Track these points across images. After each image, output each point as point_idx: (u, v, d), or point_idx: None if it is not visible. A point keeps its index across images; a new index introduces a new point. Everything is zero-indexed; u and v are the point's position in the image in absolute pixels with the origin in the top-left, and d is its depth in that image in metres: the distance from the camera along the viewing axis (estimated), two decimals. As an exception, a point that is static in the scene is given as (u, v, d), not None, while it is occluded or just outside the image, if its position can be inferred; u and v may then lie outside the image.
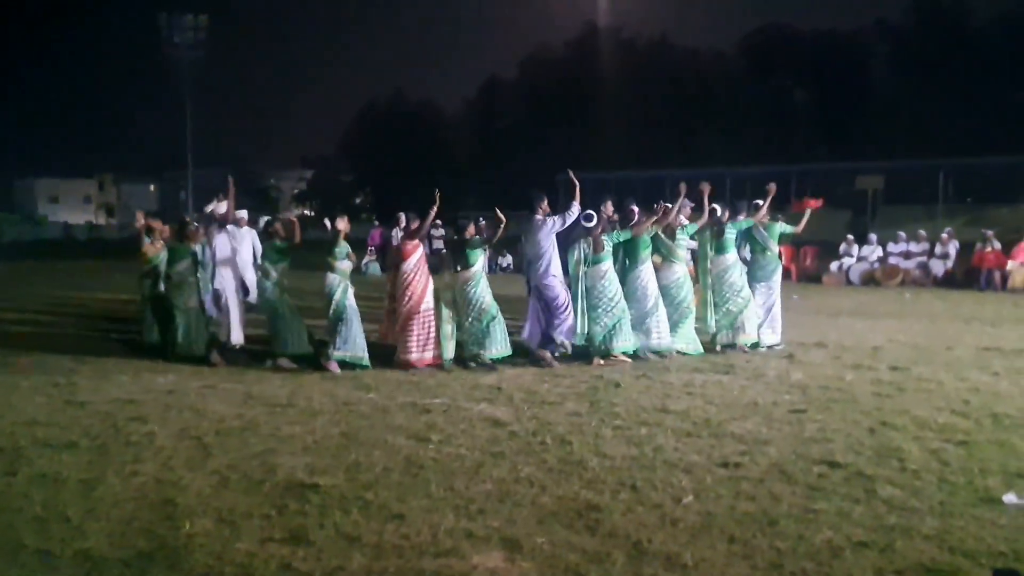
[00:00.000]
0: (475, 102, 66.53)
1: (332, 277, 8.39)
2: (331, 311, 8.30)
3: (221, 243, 9.71)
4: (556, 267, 8.64)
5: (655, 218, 9.09)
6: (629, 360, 8.56)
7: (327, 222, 8.74)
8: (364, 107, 71.25)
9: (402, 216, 8.96)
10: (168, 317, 8.92)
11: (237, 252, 9.94)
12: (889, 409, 6.43)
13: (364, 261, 21.64)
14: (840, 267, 18.91)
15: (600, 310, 8.58)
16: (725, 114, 54.48)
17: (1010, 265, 17.00)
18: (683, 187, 9.10)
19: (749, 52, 57.91)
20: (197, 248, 9.21)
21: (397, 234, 22.75)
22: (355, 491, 4.63)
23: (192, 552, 3.85)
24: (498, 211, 8.74)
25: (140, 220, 9.77)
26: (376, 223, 32.74)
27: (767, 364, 8.41)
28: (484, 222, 8.99)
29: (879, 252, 19.10)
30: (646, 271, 8.91)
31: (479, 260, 8.42)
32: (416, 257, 8.48)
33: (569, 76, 58.26)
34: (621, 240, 8.84)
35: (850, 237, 20.04)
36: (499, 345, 8.35)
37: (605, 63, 56.34)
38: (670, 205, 9.21)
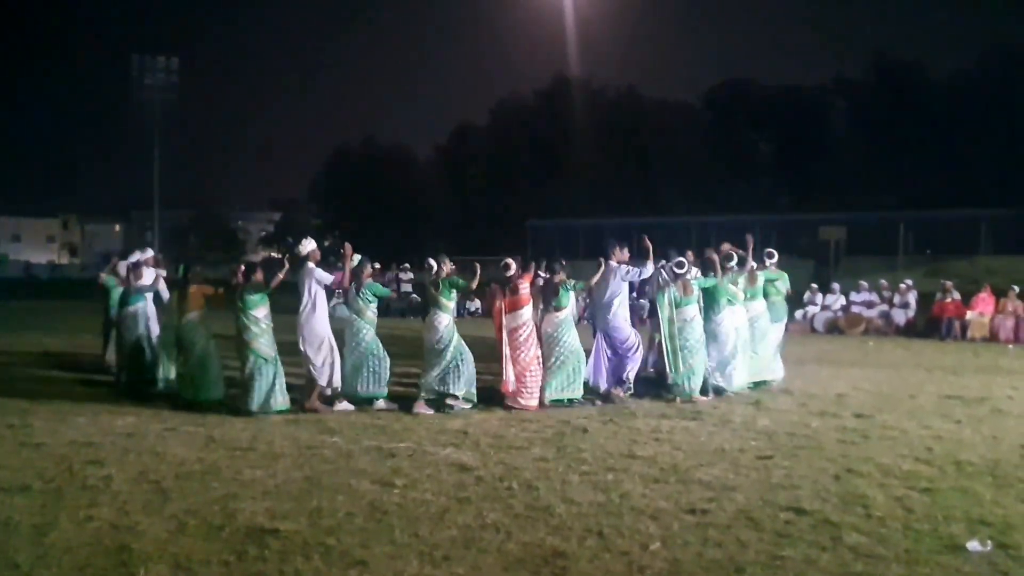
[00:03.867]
0: (446, 148, 67.01)
1: (443, 317, 8.37)
2: (448, 352, 8.30)
3: (312, 284, 8.39)
4: (625, 312, 9.01)
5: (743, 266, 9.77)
6: (706, 399, 8.88)
7: (431, 261, 8.34)
8: (335, 151, 71.44)
9: (511, 262, 8.83)
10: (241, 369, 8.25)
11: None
12: (854, 456, 6.46)
13: (332, 303, 21.45)
14: (805, 315, 19.14)
15: (685, 351, 8.96)
16: (690, 164, 55.44)
17: (969, 315, 17.32)
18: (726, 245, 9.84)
19: (714, 105, 59.22)
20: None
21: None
22: (317, 537, 4.53)
23: (147, 600, 3.73)
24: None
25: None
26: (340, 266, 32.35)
27: (733, 410, 8.44)
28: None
29: (842, 301, 19.38)
30: (727, 316, 9.38)
31: (570, 303, 8.67)
32: (529, 307, 8.65)
33: (539, 124, 59.05)
34: (705, 286, 9.28)
35: (814, 286, 20.33)
36: (578, 387, 8.69)
37: (574, 112, 57.20)
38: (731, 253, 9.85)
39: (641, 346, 9.14)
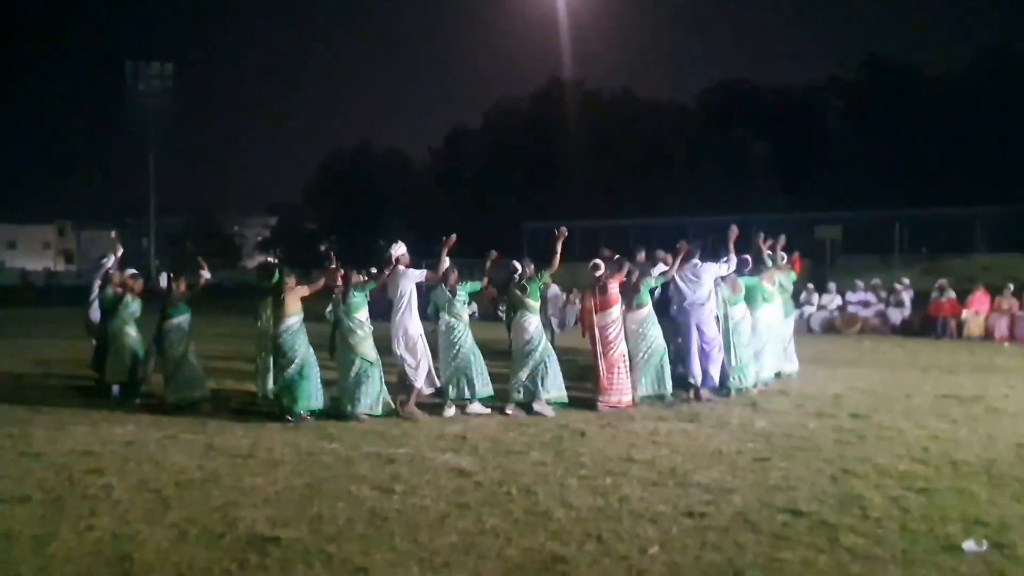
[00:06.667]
0: (441, 151, 67.03)
1: (531, 318, 8.50)
2: (535, 353, 8.40)
3: (406, 286, 8.59)
4: (713, 309, 9.28)
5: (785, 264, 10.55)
6: (755, 390, 9.45)
7: (516, 264, 8.55)
8: (329, 155, 71.40)
9: (599, 263, 8.96)
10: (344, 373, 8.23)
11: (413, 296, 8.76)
12: (851, 457, 6.50)
13: (329, 309, 21.42)
14: (801, 315, 19.16)
15: (736, 347, 9.33)
16: (685, 165, 55.50)
17: (965, 314, 17.37)
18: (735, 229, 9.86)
19: (709, 106, 59.27)
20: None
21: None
22: (318, 544, 4.55)
23: (149, 609, 3.75)
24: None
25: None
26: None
27: (731, 412, 8.47)
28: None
29: (838, 301, 19.43)
30: (764, 312, 9.89)
31: (649, 300, 8.88)
32: (619, 306, 8.75)
33: (534, 127, 59.08)
34: (748, 284, 9.71)
35: (810, 286, 20.37)
36: (668, 382, 8.84)
37: (569, 114, 57.19)
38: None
39: (722, 347, 9.31)
